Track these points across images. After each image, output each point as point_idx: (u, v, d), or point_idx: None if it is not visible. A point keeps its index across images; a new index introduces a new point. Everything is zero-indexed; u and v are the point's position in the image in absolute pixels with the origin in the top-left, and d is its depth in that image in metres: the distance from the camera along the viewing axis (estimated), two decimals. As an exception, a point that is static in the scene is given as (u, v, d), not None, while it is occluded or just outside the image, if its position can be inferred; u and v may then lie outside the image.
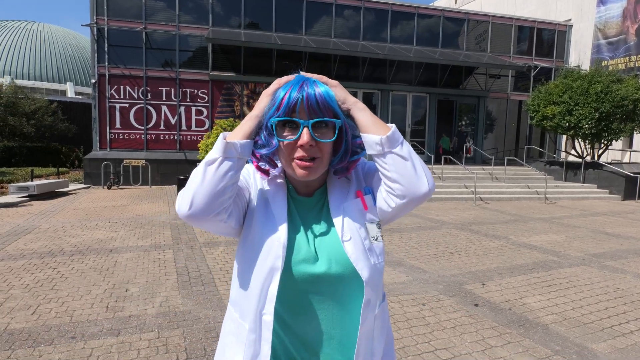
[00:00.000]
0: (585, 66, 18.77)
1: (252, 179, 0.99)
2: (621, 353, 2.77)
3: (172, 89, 13.67)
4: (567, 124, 13.05)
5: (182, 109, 13.80)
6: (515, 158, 15.24)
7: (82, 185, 12.63)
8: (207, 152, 9.33)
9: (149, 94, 13.52)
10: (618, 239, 6.47)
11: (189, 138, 13.90)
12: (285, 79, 0.90)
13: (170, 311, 3.30)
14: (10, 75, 38.62)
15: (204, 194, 0.80)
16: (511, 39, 16.75)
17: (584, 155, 14.26)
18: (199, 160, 10.60)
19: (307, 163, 0.87)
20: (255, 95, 14.26)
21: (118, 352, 2.63)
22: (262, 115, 0.89)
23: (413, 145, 15.63)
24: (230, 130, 9.56)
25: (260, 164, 0.95)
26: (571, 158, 15.59)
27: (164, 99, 13.64)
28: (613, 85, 12.58)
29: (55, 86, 43.64)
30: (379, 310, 0.96)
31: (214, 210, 0.82)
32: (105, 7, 12.97)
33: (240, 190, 0.92)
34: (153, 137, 13.67)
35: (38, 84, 42.05)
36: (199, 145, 9.90)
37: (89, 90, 41.84)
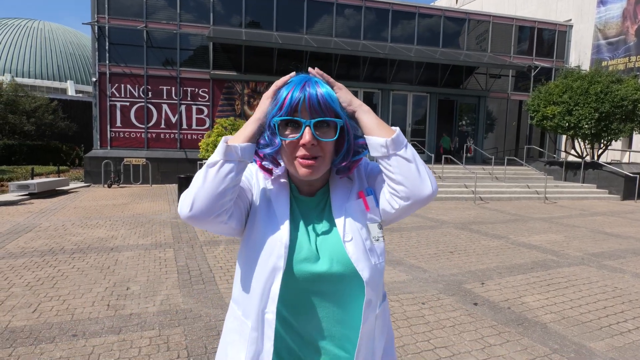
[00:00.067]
0: (585, 66, 18.78)
1: (254, 179, 0.99)
2: (619, 351, 2.78)
3: (173, 88, 13.68)
4: (567, 124, 13.07)
5: (183, 107, 13.81)
6: (515, 158, 15.26)
7: (83, 184, 12.65)
8: (207, 150, 9.35)
9: (150, 93, 13.53)
10: (617, 239, 6.48)
11: (189, 137, 13.92)
12: (282, 80, 0.91)
13: (171, 309, 3.31)
14: (10, 73, 38.63)
15: (204, 196, 0.82)
16: (512, 39, 16.75)
17: (584, 155, 14.28)
18: (200, 159, 10.62)
19: (309, 162, 0.87)
20: (256, 94, 14.27)
21: (119, 349, 2.65)
22: (263, 117, 0.90)
23: (413, 145, 15.63)
24: (231, 129, 9.57)
25: (264, 163, 0.96)
26: (571, 158, 15.60)
27: (164, 97, 13.65)
28: (613, 86, 12.59)
29: (56, 84, 43.63)
30: (379, 310, 0.97)
31: (215, 211, 0.83)
32: (106, 5, 12.97)
33: (242, 191, 0.93)
34: (154, 135, 13.69)
35: (38, 82, 42.04)
36: (199, 144, 9.90)
37: (89, 88, 41.85)
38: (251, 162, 0.96)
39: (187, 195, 0.84)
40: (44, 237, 5.70)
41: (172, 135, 13.84)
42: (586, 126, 12.68)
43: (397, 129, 0.90)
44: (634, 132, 13.65)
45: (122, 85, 13.34)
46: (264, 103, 0.91)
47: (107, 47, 13.11)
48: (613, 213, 9.37)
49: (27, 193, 9.71)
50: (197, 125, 13.95)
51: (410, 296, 3.73)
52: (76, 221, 6.93)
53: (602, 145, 13.88)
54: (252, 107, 14.22)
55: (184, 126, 13.88)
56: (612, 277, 4.48)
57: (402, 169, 0.87)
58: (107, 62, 13.16)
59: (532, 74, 16.91)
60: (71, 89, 43.21)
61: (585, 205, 10.54)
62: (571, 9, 23.28)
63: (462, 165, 13.44)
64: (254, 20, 14.28)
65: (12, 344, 2.67)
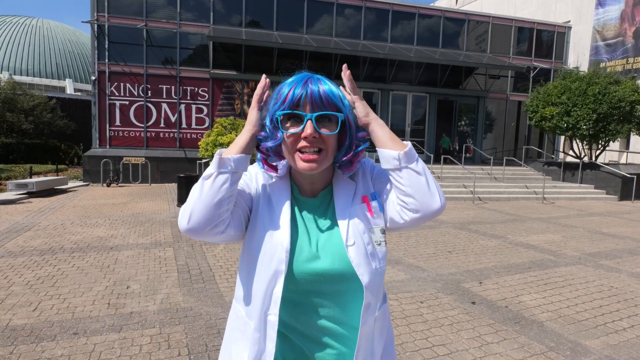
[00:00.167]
0: (584, 67, 18.83)
1: (254, 182, 1.00)
2: (613, 349, 2.82)
3: (173, 87, 13.68)
4: (565, 125, 13.12)
5: (183, 106, 13.81)
6: (514, 158, 15.31)
7: (81, 183, 12.64)
8: (207, 150, 9.37)
9: (149, 92, 13.53)
10: (614, 239, 6.53)
11: (189, 136, 13.92)
12: (260, 87, 0.95)
13: (171, 308, 3.34)
14: (8, 71, 38.54)
15: (201, 208, 0.84)
16: (511, 39, 16.80)
17: (582, 156, 14.34)
18: (199, 159, 10.64)
19: (312, 156, 0.88)
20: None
21: (120, 347, 2.67)
22: (254, 128, 0.93)
23: (413, 145, 15.72)
24: (231, 128, 9.59)
25: (268, 160, 0.97)
26: (569, 159, 15.67)
27: (164, 96, 13.65)
28: (611, 87, 12.65)
29: (54, 82, 43.54)
30: (379, 312, 0.98)
31: (212, 222, 0.85)
32: (105, 3, 12.96)
33: (241, 197, 0.94)
34: (153, 134, 13.69)
35: (37, 80, 41.95)
36: (199, 143, 9.92)
37: (88, 87, 41.78)
38: (258, 157, 0.98)
39: (185, 208, 0.86)
40: (43, 236, 5.71)
41: (171, 135, 13.84)
42: (584, 127, 12.73)
43: (409, 143, 0.93)
44: (632, 133, 13.72)
45: (122, 84, 13.33)
46: (252, 114, 0.94)
47: (106, 46, 13.10)
48: (610, 213, 9.43)
49: (25, 192, 9.71)
50: (196, 125, 13.96)
51: (408, 295, 3.76)
52: (75, 220, 6.94)
53: (600, 146, 13.94)
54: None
55: (184, 125, 13.89)
56: (608, 276, 4.52)
57: (412, 182, 0.89)
58: (107, 60, 13.15)
59: (531, 75, 16.96)
60: (70, 87, 43.13)
61: (582, 206, 10.60)
62: (570, 11, 23.36)
63: (461, 165, 13.48)
64: (254, 20, 14.29)
65: (13, 342, 2.69)
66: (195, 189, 0.87)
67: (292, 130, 0.88)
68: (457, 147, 16.53)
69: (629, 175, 12.02)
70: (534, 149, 17.33)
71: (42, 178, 11.25)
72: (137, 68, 13.39)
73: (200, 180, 0.88)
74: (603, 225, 7.85)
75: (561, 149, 17.62)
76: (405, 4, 15.54)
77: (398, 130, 15.90)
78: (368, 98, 15.34)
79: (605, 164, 13.29)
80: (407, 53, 14.38)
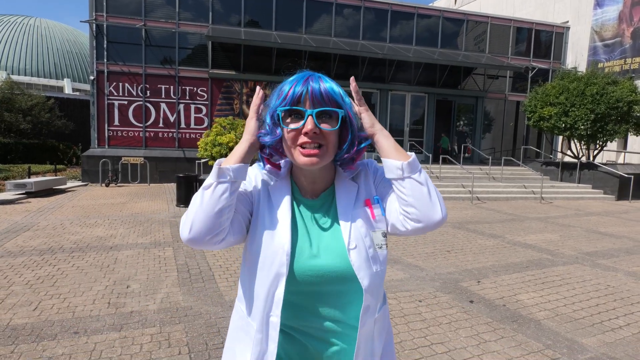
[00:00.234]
0: (582, 68, 18.89)
1: (254, 185, 1.00)
2: (610, 347, 2.85)
3: (172, 87, 13.68)
4: (563, 125, 13.17)
5: (181, 106, 13.82)
6: (512, 158, 15.36)
7: (80, 183, 12.64)
8: (206, 150, 9.38)
9: (148, 92, 13.53)
10: (611, 238, 6.57)
11: (187, 136, 13.93)
12: (260, 98, 0.96)
13: (171, 307, 3.35)
14: (6, 70, 38.42)
15: (202, 217, 0.85)
16: (509, 40, 16.85)
17: (580, 156, 14.40)
18: (198, 158, 10.65)
19: (312, 151, 0.89)
20: (254, 93, 14.26)
21: (121, 346, 2.69)
22: (252, 137, 0.94)
23: (411, 145, 15.79)
24: (230, 128, 9.60)
25: (271, 159, 0.99)
26: (567, 159, 15.72)
27: (163, 96, 13.65)
28: (608, 87, 12.70)
29: (52, 82, 43.44)
30: (379, 314, 0.99)
31: (213, 231, 0.87)
32: (104, 3, 12.95)
33: (240, 204, 0.94)
34: (152, 134, 13.69)
35: (35, 79, 41.85)
36: (198, 143, 9.92)
37: (86, 86, 41.68)
38: (260, 155, 0.99)
39: (186, 218, 0.87)
40: (42, 236, 5.71)
41: (170, 135, 13.84)
42: (582, 127, 12.78)
43: (413, 154, 0.94)
44: (629, 133, 13.78)
45: (120, 84, 13.33)
46: (250, 124, 0.94)
47: (105, 46, 13.10)
48: (607, 213, 9.47)
49: (24, 192, 9.70)
50: (195, 125, 13.97)
51: (407, 294, 3.79)
52: (74, 220, 6.94)
53: (597, 146, 14.00)
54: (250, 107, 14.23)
55: (182, 125, 13.89)
56: (605, 275, 4.55)
57: (414, 192, 0.90)
58: (105, 60, 13.14)
59: (530, 75, 17.01)
60: (68, 87, 43.03)
61: (580, 205, 10.64)
62: (568, 11, 23.43)
63: (459, 165, 13.52)
64: (253, 20, 14.30)
65: (14, 341, 2.71)
66: (196, 199, 0.88)
67: (293, 125, 0.89)
68: (457, 148, 16.58)
69: (626, 175, 12.07)
70: (532, 149, 17.39)
71: (40, 178, 11.24)
72: (136, 68, 13.39)
73: (200, 190, 0.89)
74: (600, 224, 7.89)
75: (559, 149, 17.68)
76: (404, 4, 15.57)
77: (397, 131, 15.94)
78: (367, 98, 15.35)
79: (602, 164, 13.35)
80: (406, 53, 14.41)
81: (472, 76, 16.49)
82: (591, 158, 14.15)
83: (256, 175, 1.02)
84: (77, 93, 36.74)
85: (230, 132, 9.43)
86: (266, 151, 0.97)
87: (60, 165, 18.22)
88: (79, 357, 2.52)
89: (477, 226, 7.31)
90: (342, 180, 1.00)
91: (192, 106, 13.91)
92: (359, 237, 0.94)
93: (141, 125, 13.56)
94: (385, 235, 0.97)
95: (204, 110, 13.98)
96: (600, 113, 12.50)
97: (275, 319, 0.91)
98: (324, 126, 0.89)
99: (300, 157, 0.90)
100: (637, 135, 13.79)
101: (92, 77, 13.20)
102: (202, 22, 13.75)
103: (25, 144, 20.21)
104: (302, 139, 0.89)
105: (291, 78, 0.93)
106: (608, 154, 18.88)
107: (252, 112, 0.96)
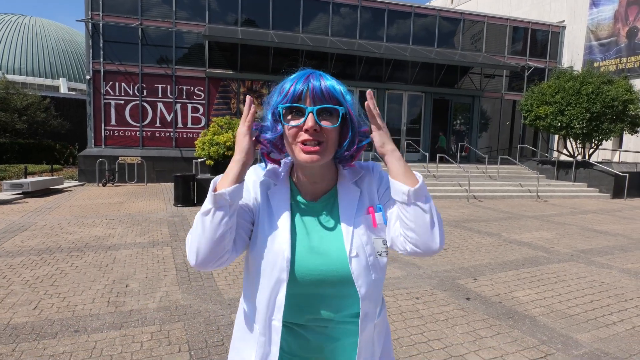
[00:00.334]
0: (578, 67, 19.02)
1: (252, 193, 0.99)
2: (603, 342, 2.90)
3: (168, 86, 13.66)
4: (559, 124, 13.26)
5: (178, 106, 13.80)
6: (508, 157, 15.44)
7: (77, 183, 12.60)
8: (203, 149, 9.38)
9: (145, 91, 13.50)
10: (606, 236, 6.64)
11: (185, 135, 13.91)
12: (252, 114, 0.93)
13: (170, 305, 3.37)
14: (1, 70, 38.18)
15: (205, 244, 0.87)
16: (506, 39, 16.93)
17: (575, 155, 14.50)
18: (195, 158, 10.65)
19: (313, 147, 0.89)
20: (251, 93, 14.28)
21: (121, 344, 2.71)
22: (245, 156, 0.91)
23: (408, 144, 15.85)
24: (227, 127, 9.61)
25: (271, 155, 0.99)
26: (563, 157, 15.82)
27: (159, 95, 13.63)
28: (604, 87, 12.79)
29: (48, 82, 43.22)
30: (379, 319, 1.00)
31: (218, 255, 0.88)
32: (100, 2, 12.91)
33: (241, 219, 0.95)
34: (149, 134, 13.66)
35: (30, 79, 41.62)
36: (195, 142, 9.92)
37: (82, 86, 41.50)
38: (260, 151, 0.98)
39: (191, 245, 0.89)
40: (40, 236, 5.71)
41: (167, 134, 13.82)
42: (578, 126, 12.88)
43: (421, 179, 0.91)
44: (624, 132, 13.88)
45: (117, 83, 13.29)
46: (243, 142, 0.92)
47: (101, 45, 13.05)
48: (603, 211, 9.56)
49: (21, 192, 9.68)
50: (192, 124, 13.95)
51: (404, 291, 3.82)
52: (72, 220, 6.94)
53: (593, 144, 14.10)
54: (248, 106, 14.22)
55: (180, 125, 13.87)
56: (599, 272, 4.61)
57: (417, 219, 0.90)
58: (102, 59, 13.10)
59: (526, 74, 17.10)
60: (63, 86, 42.83)
61: (576, 204, 10.73)
62: (564, 10, 23.55)
63: (456, 164, 13.59)
64: (250, 19, 14.29)
65: (15, 340, 2.72)
66: (197, 226, 0.88)
67: (294, 122, 0.90)
68: (453, 147, 16.64)
69: (621, 174, 12.17)
70: (529, 147, 17.49)
71: (37, 178, 11.21)
72: (133, 67, 13.35)
73: (199, 216, 0.88)
74: (595, 222, 7.96)
75: (555, 148, 17.79)
76: (401, 3, 15.60)
77: (394, 130, 15.97)
78: (364, 97, 15.32)
79: (598, 162, 13.45)
80: (403, 52, 14.45)
81: (468, 75, 16.56)
82: (587, 157, 14.25)
83: (254, 182, 1.01)
84: (73, 92, 36.56)
85: (227, 132, 9.44)
86: (267, 146, 0.97)
87: (57, 165, 18.16)
88: (80, 355, 2.54)
89: (473, 224, 7.36)
90: (345, 184, 1.00)
91: (189, 105, 13.89)
92: (360, 245, 0.94)
93: (138, 124, 13.53)
94: (385, 243, 0.97)
95: (201, 109, 13.96)
96: (595, 112, 12.59)
97: (277, 323, 0.93)
98: (325, 123, 0.89)
99: (301, 154, 0.90)
100: (632, 134, 13.90)
101: (88, 77, 13.16)
102: (199, 21, 13.73)
103: (21, 143, 20.11)
104: (303, 136, 0.89)
105: (292, 76, 0.93)
106: (603, 153, 19.02)
107: (244, 127, 0.93)
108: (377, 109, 0.95)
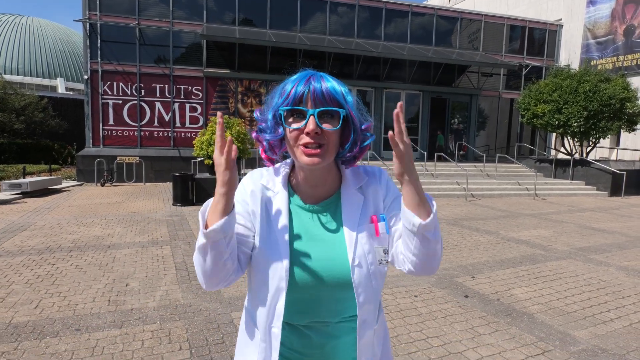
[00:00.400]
0: (575, 65, 19.08)
1: (250, 205, 0.98)
2: (601, 339, 2.93)
3: (166, 86, 13.65)
4: (556, 122, 13.31)
5: (176, 105, 13.79)
6: (506, 155, 15.50)
7: (75, 183, 12.59)
8: (201, 149, 9.38)
9: (143, 91, 13.48)
10: (603, 234, 6.68)
11: (183, 135, 13.91)
12: (219, 145, 0.87)
13: (171, 304, 3.39)
14: (-2, 70, 38.04)
15: (210, 272, 0.89)
16: (503, 38, 16.97)
17: (573, 153, 14.55)
18: (194, 157, 10.65)
19: (314, 150, 0.89)
20: (249, 92, 14.29)
21: (122, 342, 2.72)
22: (229, 189, 0.86)
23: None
24: (225, 127, 9.59)
25: (267, 153, 1.00)
26: (560, 155, 15.89)
27: (157, 95, 13.62)
28: (601, 85, 12.85)
29: (45, 82, 43.10)
30: (378, 325, 1.01)
31: (224, 277, 0.91)
32: (98, 2, 12.89)
33: (241, 235, 0.95)
34: (147, 133, 13.66)
35: (27, 79, 41.49)
36: (193, 142, 9.92)
37: (79, 86, 41.42)
38: (234, 226, 0.92)
39: (197, 273, 0.92)
40: (40, 236, 5.72)
41: (165, 134, 13.81)
42: (575, 124, 12.93)
43: (434, 210, 0.89)
44: (622, 130, 13.94)
45: (115, 83, 13.28)
46: (224, 175, 0.86)
47: (99, 45, 13.03)
48: (600, 209, 9.61)
49: (19, 192, 9.67)
50: (190, 123, 13.95)
51: (403, 289, 3.85)
52: (71, 220, 6.94)
53: (590, 142, 14.16)
54: (246, 105, 14.25)
55: (178, 124, 13.86)
56: (597, 270, 4.64)
57: (422, 248, 0.90)
58: (99, 59, 13.08)
59: (523, 73, 17.15)
60: (61, 86, 42.72)
61: (573, 202, 10.78)
62: (561, 9, 23.60)
63: (454, 162, 13.64)
64: (247, 18, 14.29)
65: (17, 339, 2.73)
66: (197, 258, 0.89)
67: (295, 125, 0.90)
68: (451, 146, 16.68)
69: (618, 172, 12.23)
70: (526, 146, 17.54)
71: (36, 178, 11.20)
72: (130, 67, 13.34)
73: (196, 250, 0.88)
74: (593, 220, 8.01)
75: (553, 146, 17.85)
76: (398, 2, 15.62)
77: (392, 128, 15.93)
78: (362, 96, 15.43)
79: (595, 160, 13.52)
80: (401, 51, 14.47)
81: (466, 74, 16.59)
82: (584, 155, 14.32)
83: (252, 192, 1.00)
84: (71, 92, 36.47)
85: (225, 131, 9.45)
86: (264, 145, 0.98)
87: (55, 165, 18.13)
88: (81, 354, 2.56)
89: (471, 223, 7.39)
90: (349, 190, 1.00)
91: (187, 105, 13.88)
92: (362, 253, 0.95)
93: (136, 124, 13.52)
94: (386, 252, 0.98)
95: (199, 109, 13.96)
96: (593, 110, 12.64)
97: (277, 330, 0.94)
98: (326, 126, 0.89)
99: (302, 157, 0.90)
100: (629, 132, 13.96)
101: (86, 77, 13.14)
102: (197, 21, 13.72)
103: (19, 143, 20.07)
104: (305, 138, 0.89)
105: (293, 77, 0.93)
106: (601, 151, 19.10)
107: (221, 158, 0.86)
108: (404, 124, 0.86)
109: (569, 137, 14.23)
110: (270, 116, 0.95)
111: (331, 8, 14.89)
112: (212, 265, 0.87)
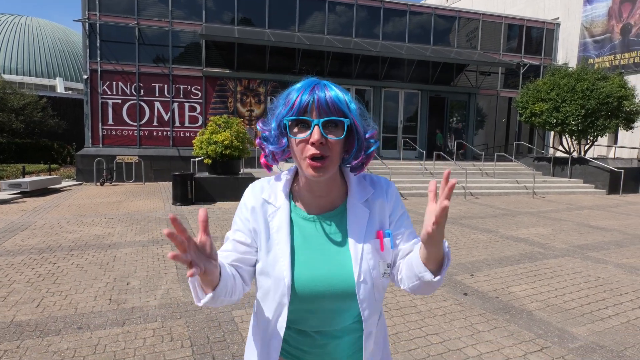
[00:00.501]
0: (572, 64, 19.12)
1: (251, 222, 0.99)
2: (599, 336, 2.96)
3: (165, 85, 13.65)
4: (554, 121, 13.35)
5: (175, 105, 13.79)
6: (504, 154, 15.53)
7: (75, 182, 12.59)
8: (201, 148, 9.39)
9: (142, 90, 13.48)
10: (601, 232, 6.72)
11: (182, 134, 13.91)
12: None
13: (172, 303, 3.41)
14: (-3, 70, 37.95)
15: (218, 305, 0.91)
16: (501, 36, 17.00)
17: (571, 151, 14.60)
18: (193, 157, 10.65)
19: (317, 163, 0.89)
20: (248, 91, 14.29)
21: (124, 340, 2.75)
22: (210, 270, 0.81)
23: (405, 142, 15.92)
24: (225, 126, 9.61)
25: (268, 159, 1.00)
26: (559, 154, 15.93)
27: (157, 95, 13.62)
28: (598, 83, 12.89)
29: (45, 81, 43.03)
30: (378, 328, 1.03)
31: (233, 299, 0.93)
32: (97, 2, 12.88)
33: (243, 256, 0.97)
34: (146, 133, 13.66)
35: (27, 79, 41.41)
36: (193, 141, 9.94)
37: (78, 85, 41.34)
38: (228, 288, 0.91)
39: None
40: (40, 235, 5.73)
41: (164, 133, 13.82)
42: (573, 122, 12.97)
43: (445, 266, 0.90)
44: (619, 128, 14.00)
45: (114, 83, 13.27)
46: (202, 273, 0.79)
47: (98, 45, 13.03)
48: (598, 207, 9.65)
49: (19, 191, 9.67)
50: (189, 123, 13.95)
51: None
52: (71, 219, 6.95)
53: (588, 141, 14.21)
54: (245, 105, 14.27)
55: (177, 124, 13.87)
56: (595, 267, 4.68)
57: (424, 287, 0.93)
58: (99, 59, 13.08)
59: (521, 72, 17.19)
60: (60, 86, 42.63)
61: (572, 200, 10.82)
62: (558, 7, 23.65)
63: (453, 161, 13.67)
64: (246, 17, 14.30)
65: (19, 337, 2.75)
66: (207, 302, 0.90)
67: (300, 135, 0.90)
68: (450, 144, 16.71)
69: (616, 170, 12.28)
70: (525, 144, 17.59)
71: (35, 177, 11.20)
72: (130, 66, 13.33)
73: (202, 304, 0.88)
74: (591, 218, 8.05)
75: (551, 145, 17.91)
76: (397, 1, 15.63)
77: (391, 127, 16.04)
78: (360, 95, 15.45)
79: (593, 158, 13.56)
80: (399, 50, 14.49)
81: (464, 73, 16.62)
82: (582, 153, 14.36)
83: (253, 208, 1.00)
84: (70, 92, 36.40)
85: (225, 130, 9.46)
86: (267, 152, 0.98)
87: (54, 165, 18.12)
88: (84, 352, 2.58)
89: (470, 221, 7.42)
90: (355, 203, 1.00)
91: (187, 104, 13.89)
92: (367, 269, 0.95)
93: (135, 124, 13.53)
94: (390, 265, 1.00)
95: (198, 108, 13.96)
96: (590, 108, 12.68)
97: (277, 343, 0.97)
98: (330, 136, 0.90)
99: (308, 169, 0.91)
100: (627, 130, 14.02)
101: (85, 76, 13.13)
102: (196, 20, 13.72)
103: (18, 143, 20.04)
104: (311, 150, 0.89)
105: (297, 86, 0.93)
106: (599, 149, 19.15)
107: (189, 270, 0.76)
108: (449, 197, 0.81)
109: (567, 136, 14.28)
110: (274, 125, 0.95)
111: (330, 7, 14.90)
112: (220, 303, 0.90)
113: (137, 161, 12.85)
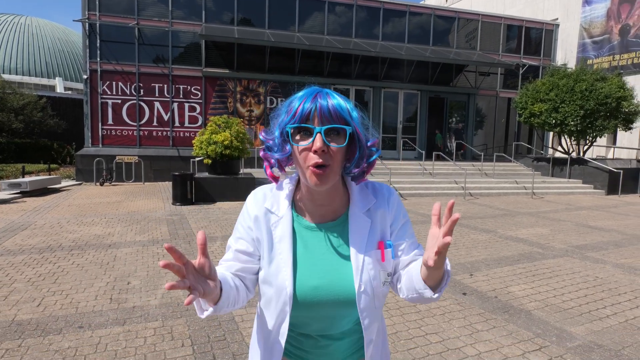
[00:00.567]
0: (571, 64, 19.17)
1: (254, 231, 1.01)
2: (597, 335, 2.98)
3: (165, 85, 13.66)
4: (553, 121, 13.38)
5: (175, 105, 13.80)
6: (504, 154, 15.57)
7: (74, 182, 12.59)
8: (201, 148, 9.41)
9: (142, 90, 13.49)
10: (600, 232, 6.74)
11: (182, 134, 13.92)
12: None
13: (172, 302, 3.43)
14: (-4, 70, 37.92)
15: (226, 312, 0.94)
16: (500, 37, 17.04)
17: (570, 152, 14.63)
18: (193, 157, 10.67)
19: (318, 171, 0.90)
20: (248, 92, 14.31)
21: (125, 339, 2.76)
22: (210, 290, 0.83)
23: (405, 142, 15.94)
24: (224, 126, 9.63)
25: (272, 170, 1.01)
26: (558, 154, 15.97)
27: (156, 95, 13.63)
28: (597, 84, 12.93)
29: (44, 81, 43.01)
30: (376, 335, 1.04)
31: (238, 306, 0.96)
32: (97, 2, 12.89)
33: (245, 265, 1.00)
34: (146, 133, 13.66)
35: (26, 78, 41.38)
36: (193, 141, 9.95)
37: (78, 85, 41.33)
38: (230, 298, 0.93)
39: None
40: (40, 235, 5.74)
41: (164, 133, 13.83)
42: (572, 123, 13.00)
43: (445, 284, 0.92)
44: (618, 129, 14.03)
45: (114, 83, 13.28)
46: (202, 294, 0.81)
47: (98, 45, 13.04)
48: (597, 207, 9.68)
49: (19, 191, 9.68)
50: (189, 123, 13.96)
51: (402, 287, 3.89)
52: (71, 219, 6.96)
53: (587, 141, 14.25)
54: (244, 105, 14.28)
55: (177, 124, 13.88)
56: (593, 267, 4.70)
57: (423, 300, 0.96)
58: (99, 59, 13.08)
59: (520, 72, 17.23)
60: (60, 86, 42.62)
61: (571, 200, 10.84)
62: (557, 8, 23.70)
63: (452, 161, 13.70)
64: (246, 18, 14.31)
65: (20, 336, 2.77)
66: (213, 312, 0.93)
67: (303, 143, 0.91)
68: (449, 145, 16.74)
69: (615, 170, 12.31)
70: (524, 145, 17.62)
71: (35, 177, 11.20)
72: (129, 67, 13.34)
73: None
74: (590, 218, 8.07)
75: (550, 145, 17.95)
76: (396, 2, 15.66)
77: (390, 128, 16.07)
78: (360, 96, 15.47)
79: (592, 159, 13.59)
80: (399, 51, 14.51)
81: (463, 73, 16.65)
82: (581, 153, 14.39)
83: (255, 217, 1.01)
84: (69, 92, 36.40)
85: (225, 131, 9.47)
86: (271, 162, 0.99)
87: (54, 165, 18.12)
88: (85, 350, 2.59)
89: (469, 221, 7.44)
90: (356, 213, 1.01)
91: (186, 105, 13.90)
92: (368, 279, 0.97)
93: (135, 124, 13.53)
94: (390, 274, 1.01)
95: (198, 108, 13.98)
96: (589, 109, 12.72)
97: (279, 348, 0.99)
98: (332, 143, 0.90)
99: (312, 177, 0.91)
100: (625, 131, 14.05)
101: (85, 76, 13.14)
102: (195, 21, 13.73)
103: (18, 143, 20.03)
104: (313, 159, 0.90)
105: (300, 94, 0.93)
106: (598, 149, 19.20)
107: (185, 285, 0.77)
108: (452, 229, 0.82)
109: (566, 136, 14.31)
110: (277, 133, 0.96)
111: (329, 8, 14.92)
112: (224, 312, 0.92)
113: (136, 161, 12.86)
